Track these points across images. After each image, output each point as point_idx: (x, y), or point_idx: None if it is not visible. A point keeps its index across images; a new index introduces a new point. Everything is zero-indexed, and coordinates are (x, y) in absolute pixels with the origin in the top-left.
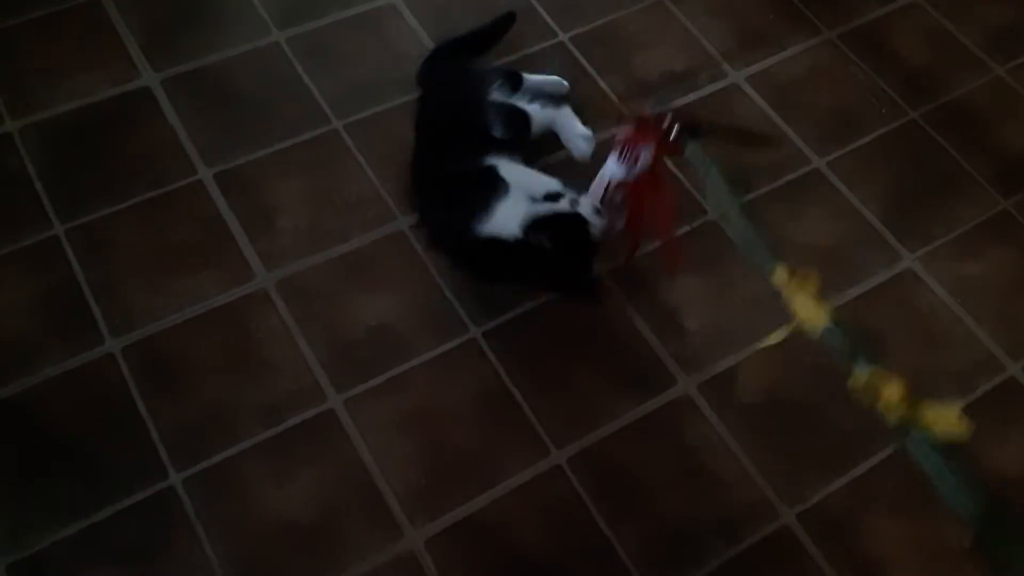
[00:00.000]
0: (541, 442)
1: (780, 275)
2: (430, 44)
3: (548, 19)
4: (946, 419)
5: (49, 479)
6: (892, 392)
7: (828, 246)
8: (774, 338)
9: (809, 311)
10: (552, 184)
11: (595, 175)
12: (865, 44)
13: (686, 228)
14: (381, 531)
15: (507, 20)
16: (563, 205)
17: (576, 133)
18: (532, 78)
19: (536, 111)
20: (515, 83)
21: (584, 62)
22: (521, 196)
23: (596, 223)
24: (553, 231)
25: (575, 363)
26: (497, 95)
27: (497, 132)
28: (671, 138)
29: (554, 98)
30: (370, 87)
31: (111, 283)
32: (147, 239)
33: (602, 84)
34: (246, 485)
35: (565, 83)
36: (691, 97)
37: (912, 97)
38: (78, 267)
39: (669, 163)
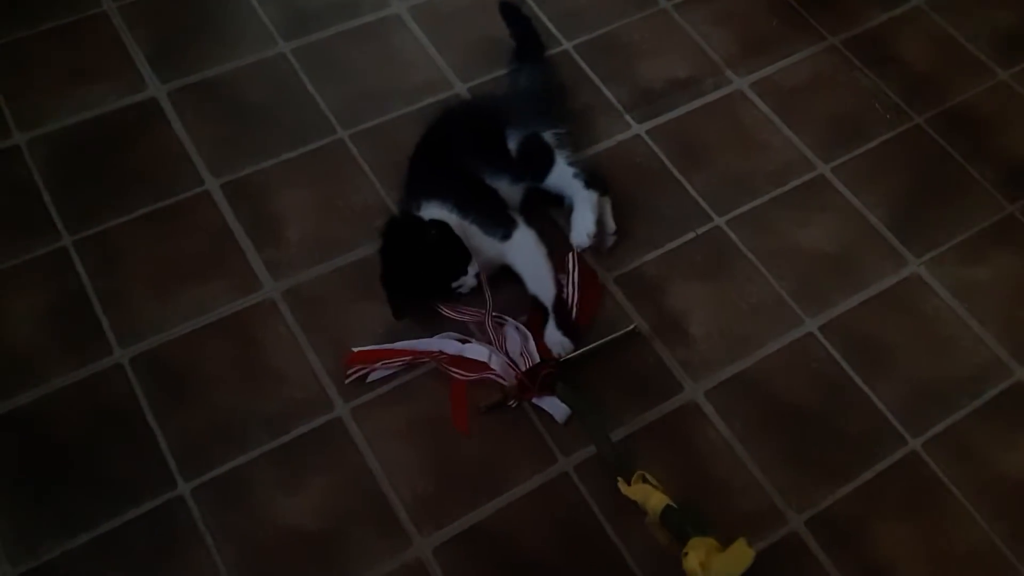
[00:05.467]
0: (548, 449)
1: (622, 484)
2: (436, 54)
3: (552, 28)
4: (738, 557)
5: (59, 489)
6: (692, 560)
7: (834, 252)
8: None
9: (652, 499)
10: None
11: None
12: (869, 50)
13: (691, 235)
14: (389, 539)
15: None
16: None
17: (584, 223)
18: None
19: (564, 167)
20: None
21: (588, 70)
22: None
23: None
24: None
25: (581, 370)
26: (538, 129)
27: (516, 158)
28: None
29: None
30: (375, 97)
31: (119, 293)
32: (154, 249)
33: (606, 92)
34: (254, 494)
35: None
36: (695, 104)
37: (917, 102)
38: (86, 278)
39: None
